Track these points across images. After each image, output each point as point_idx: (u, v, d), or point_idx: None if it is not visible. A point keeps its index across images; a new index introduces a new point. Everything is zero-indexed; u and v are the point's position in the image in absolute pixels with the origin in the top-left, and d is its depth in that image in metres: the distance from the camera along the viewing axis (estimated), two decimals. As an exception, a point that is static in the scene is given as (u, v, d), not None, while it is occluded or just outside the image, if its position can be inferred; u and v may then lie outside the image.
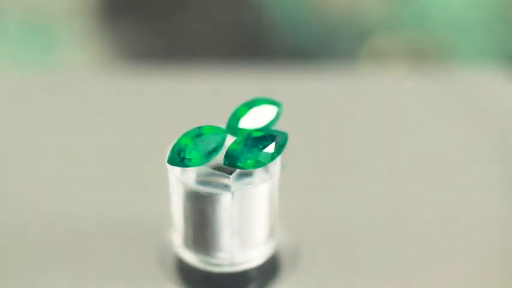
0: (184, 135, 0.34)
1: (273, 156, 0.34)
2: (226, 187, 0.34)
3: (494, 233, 0.41)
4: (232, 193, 0.34)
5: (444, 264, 0.39)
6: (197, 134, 0.34)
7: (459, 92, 0.50)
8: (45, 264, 0.39)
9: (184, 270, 0.38)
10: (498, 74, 0.51)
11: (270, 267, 0.38)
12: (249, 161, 0.34)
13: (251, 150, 0.34)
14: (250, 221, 0.36)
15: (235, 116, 0.35)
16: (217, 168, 0.34)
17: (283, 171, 0.36)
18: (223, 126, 0.35)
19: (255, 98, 0.36)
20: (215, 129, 0.34)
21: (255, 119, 0.35)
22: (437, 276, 0.39)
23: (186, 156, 0.34)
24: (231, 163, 0.34)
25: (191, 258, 0.37)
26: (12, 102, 0.49)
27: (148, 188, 0.42)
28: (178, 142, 0.34)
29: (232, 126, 0.35)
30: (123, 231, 0.41)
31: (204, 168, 0.34)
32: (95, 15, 0.86)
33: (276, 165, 0.35)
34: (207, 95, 0.49)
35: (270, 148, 0.34)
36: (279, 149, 0.34)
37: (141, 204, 0.42)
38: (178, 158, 0.34)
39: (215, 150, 0.34)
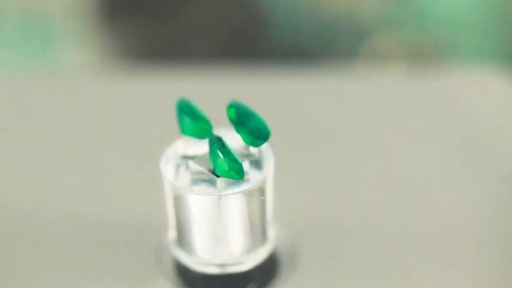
0: (226, 154, 0.34)
1: None
2: (232, 188, 0.34)
3: (493, 234, 0.41)
4: (242, 192, 0.34)
5: (443, 264, 0.39)
6: (223, 145, 0.34)
7: (458, 92, 0.50)
8: (44, 265, 0.39)
9: (183, 271, 0.38)
10: (497, 74, 0.51)
11: (269, 268, 0.38)
12: (266, 129, 0.35)
13: (257, 121, 0.35)
14: (249, 220, 0.36)
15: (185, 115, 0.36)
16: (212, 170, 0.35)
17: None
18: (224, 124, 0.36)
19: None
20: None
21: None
22: (437, 276, 0.39)
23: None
24: (264, 138, 0.35)
25: (189, 260, 0.37)
26: (11, 102, 0.49)
27: (146, 188, 0.42)
28: (234, 163, 0.34)
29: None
30: (121, 232, 0.41)
31: (200, 172, 0.35)
32: (95, 14, 0.86)
33: (269, 163, 0.35)
34: (206, 95, 0.49)
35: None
36: None
37: (139, 204, 0.42)
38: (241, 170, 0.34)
39: None
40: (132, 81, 0.51)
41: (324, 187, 0.43)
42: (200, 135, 0.35)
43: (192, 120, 0.35)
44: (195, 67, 0.52)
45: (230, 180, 0.34)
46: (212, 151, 0.34)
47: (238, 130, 0.35)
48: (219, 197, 0.34)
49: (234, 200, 0.35)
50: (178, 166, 0.35)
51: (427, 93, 0.50)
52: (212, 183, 0.34)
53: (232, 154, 0.34)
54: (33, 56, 0.85)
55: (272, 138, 0.36)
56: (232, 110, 0.35)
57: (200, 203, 0.35)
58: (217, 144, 0.34)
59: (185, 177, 0.35)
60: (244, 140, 0.35)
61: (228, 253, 0.36)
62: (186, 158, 0.35)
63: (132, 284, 0.39)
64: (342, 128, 0.47)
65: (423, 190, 0.43)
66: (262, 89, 0.50)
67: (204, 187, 0.34)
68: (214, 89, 0.50)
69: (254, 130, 0.35)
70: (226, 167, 0.34)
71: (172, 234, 0.37)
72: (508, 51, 0.84)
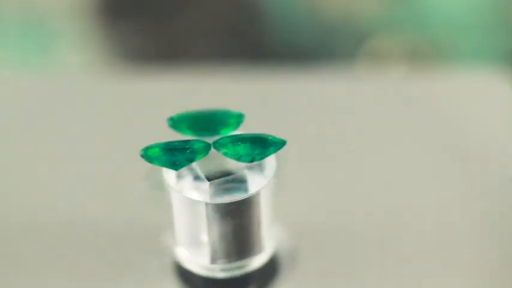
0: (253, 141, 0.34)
1: None
2: (245, 191, 0.34)
3: (493, 235, 0.41)
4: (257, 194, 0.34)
5: (444, 265, 0.39)
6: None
7: (458, 93, 0.50)
8: (45, 267, 0.39)
9: (184, 273, 0.38)
10: (497, 75, 0.51)
11: (270, 269, 0.38)
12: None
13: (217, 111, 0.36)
14: (249, 226, 0.36)
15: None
16: (217, 175, 0.35)
17: (281, 169, 0.36)
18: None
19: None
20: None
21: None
22: (436, 276, 0.39)
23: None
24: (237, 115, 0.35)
25: (190, 263, 0.37)
26: (11, 103, 0.49)
27: (148, 190, 0.42)
28: (271, 137, 0.34)
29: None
30: (122, 234, 0.41)
31: (202, 177, 0.35)
32: (95, 15, 0.86)
33: (271, 169, 0.35)
34: (206, 96, 0.49)
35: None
36: None
37: (140, 206, 0.42)
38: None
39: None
40: (133, 83, 0.51)
41: (324, 188, 0.43)
42: (203, 154, 0.35)
43: (190, 151, 0.34)
44: (195, 68, 0.52)
45: (234, 184, 0.34)
46: (240, 148, 0.34)
47: (219, 130, 0.35)
48: (222, 203, 0.34)
49: (236, 205, 0.34)
50: (179, 174, 0.35)
51: (427, 95, 0.50)
52: (214, 189, 0.34)
53: (256, 135, 0.34)
54: (34, 57, 0.85)
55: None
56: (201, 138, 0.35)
57: (201, 208, 0.34)
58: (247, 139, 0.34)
59: (187, 182, 0.35)
60: (232, 127, 0.35)
61: (230, 257, 0.36)
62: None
63: (134, 286, 0.39)
64: (342, 129, 0.47)
65: (424, 191, 0.43)
66: (262, 91, 0.50)
67: (205, 192, 0.34)
68: (214, 90, 0.50)
69: (226, 114, 0.35)
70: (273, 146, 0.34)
71: (174, 237, 0.37)
72: (508, 52, 0.84)
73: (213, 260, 0.36)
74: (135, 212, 0.42)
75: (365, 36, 0.85)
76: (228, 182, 0.34)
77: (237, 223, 0.35)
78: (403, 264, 0.40)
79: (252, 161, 0.34)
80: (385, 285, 0.39)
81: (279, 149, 0.34)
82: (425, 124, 0.48)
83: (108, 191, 0.43)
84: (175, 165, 0.34)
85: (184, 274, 0.38)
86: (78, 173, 0.44)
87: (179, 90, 0.50)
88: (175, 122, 0.35)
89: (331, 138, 0.47)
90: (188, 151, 0.34)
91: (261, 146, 0.34)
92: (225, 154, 0.34)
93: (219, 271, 0.36)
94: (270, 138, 0.34)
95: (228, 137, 0.34)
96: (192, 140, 0.34)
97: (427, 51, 0.85)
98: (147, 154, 0.34)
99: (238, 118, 0.35)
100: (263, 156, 0.34)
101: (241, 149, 0.34)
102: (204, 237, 0.35)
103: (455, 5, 0.85)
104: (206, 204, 0.34)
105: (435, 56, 0.85)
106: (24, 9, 0.86)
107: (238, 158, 0.34)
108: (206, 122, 0.35)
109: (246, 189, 0.34)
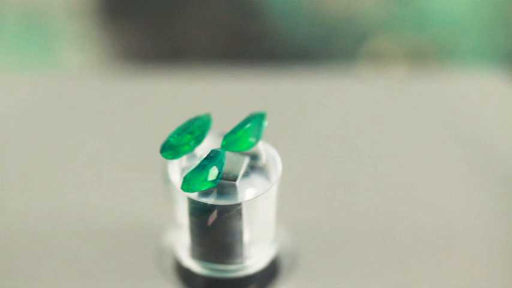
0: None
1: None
2: (233, 198, 0.34)
3: (493, 235, 0.41)
4: (240, 204, 0.34)
5: (443, 266, 0.39)
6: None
7: (458, 93, 0.50)
8: (45, 266, 0.39)
9: (184, 274, 0.38)
10: (497, 76, 0.51)
11: (271, 271, 0.38)
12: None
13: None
14: (250, 228, 0.36)
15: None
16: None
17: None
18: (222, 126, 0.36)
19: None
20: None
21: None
22: (437, 277, 0.39)
23: None
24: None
25: (191, 263, 0.37)
26: (11, 104, 0.49)
27: (148, 190, 0.42)
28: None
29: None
30: (122, 234, 0.40)
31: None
32: (95, 16, 0.86)
33: (276, 173, 0.35)
34: (207, 97, 0.49)
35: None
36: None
37: (140, 206, 0.42)
38: None
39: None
40: (133, 83, 0.51)
41: (325, 188, 0.43)
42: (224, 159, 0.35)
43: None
44: (195, 68, 0.52)
45: (238, 188, 0.34)
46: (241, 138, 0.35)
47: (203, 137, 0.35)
48: (226, 204, 0.34)
49: (239, 207, 0.34)
50: (183, 171, 0.35)
51: (428, 95, 0.50)
52: (218, 190, 0.34)
53: (243, 122, 0.35)
54: (33, 57, 0.85)
55: (273, 139, 0.36)
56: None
57: (206, 209, 0.34)
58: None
59: (209, 192, 0.34)
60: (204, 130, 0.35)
61: (231, 258, 0.36)
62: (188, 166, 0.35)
63: (134, 286, 0.39)
64: (343, 129, 0.47)
65: (424, 191, 0.43)
66: (262, 91, 0.50)
67: (235, 194, 0.34)
68: (215, 91, 0.50)
69: (202, 120, 0.35)
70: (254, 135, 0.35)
71: (175, 237, 0.37)
72: (508, 52, 0.84)
73: (244, 258, 0.36)
74: (135, 212, 0.42)
75: (365, 36, 0.85)
76: (244, 177, 0.34)
77: (262, 215, 0.35)
78: (403, 264, 0.39)
79: (255, 143, 0.35)
80: (385, 285, 0.39)
81: (265, 118, 0.35)
82: (425, 124, 0.48)
83: (107, 191, 0.43)
84: (216, 180, 0.34)
85: (184, 274, 0.38)
86: (77, 173, 0.44)
87: (179, 90, 0.50)
88: (171, 154, 0.35)
89: (332, 138, 0.47)
90: (217, 161, 0.34)
91: (254, 126, 0.35)
92: (237, 150, 0.35)
93: (243, 269, 0.36)
94: (253, 116, 0.35)
95: (229, 135, 0.34)
96: (212, 152, 0.34)
97: (428, 51, 0.85)
98: (190, 187, 0.34)
99: (209, 120, 0.35)
100: (261, 132, 0.35)
101: (246, 138, 0.34)
102: (237, 239, 0.35)
103: (455, 5, 0.85)
104: (239, 204, 0.34)
105: (435, 56, 0.85)
106: (24, 9, 0.86)
107: (247, 147, 0.34)
108: (193, 138, 0.35)
109: (264, 180, 0.34)
